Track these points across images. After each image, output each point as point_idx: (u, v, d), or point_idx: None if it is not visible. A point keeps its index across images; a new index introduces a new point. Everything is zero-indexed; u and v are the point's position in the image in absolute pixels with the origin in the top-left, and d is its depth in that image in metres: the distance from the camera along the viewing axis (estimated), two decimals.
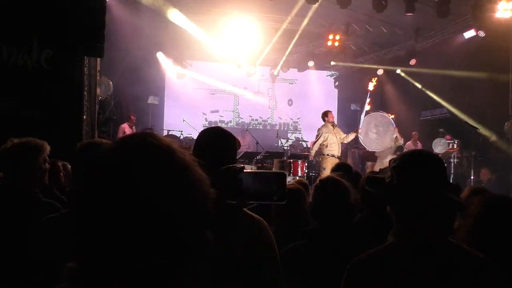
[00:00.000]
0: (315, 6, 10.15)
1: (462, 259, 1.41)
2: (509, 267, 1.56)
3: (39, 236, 1.85)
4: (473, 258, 1.42)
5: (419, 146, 11.05)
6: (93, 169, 0.75)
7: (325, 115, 9.32)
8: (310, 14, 11.24)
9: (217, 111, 15.88)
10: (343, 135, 9.32)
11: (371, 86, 10.23)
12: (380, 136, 9.73)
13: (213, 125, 13.70)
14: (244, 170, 1.43)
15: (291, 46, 13.34)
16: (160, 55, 13.61)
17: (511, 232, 1.76)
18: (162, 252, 0.72)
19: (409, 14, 10.01)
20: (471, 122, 9.95)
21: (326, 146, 9.03)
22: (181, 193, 0.75)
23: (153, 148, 0.77)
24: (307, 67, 15.02)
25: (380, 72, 14.41)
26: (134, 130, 11.38)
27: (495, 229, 1.75)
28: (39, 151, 2.45)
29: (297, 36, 12.59)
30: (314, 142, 9.31)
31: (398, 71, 13.89)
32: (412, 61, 12.87)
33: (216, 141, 1.82)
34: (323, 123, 9.32)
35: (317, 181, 2.39)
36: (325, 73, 16.78)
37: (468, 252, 1.44)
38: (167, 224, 0.72)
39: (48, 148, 2.51)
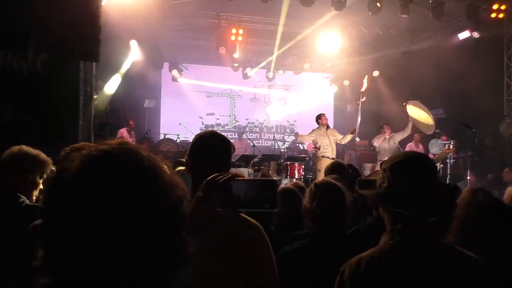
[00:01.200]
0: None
1: (455, 260, 1.42)
2: (498, 267, 1.57)
3: (27, 239, 1.83)
4: (465, 259, 1.43)
5: (421, 148, 11.05)
6: (62, 182, 0.74)
7: (318, 118, 9.45)
8: (305, 16, 11.27)
9: (213, 114, 15.88)
10: (340, 136, 9.37)
11: (364, 86, 10.27)
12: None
13: (209, 129, 13.74)
14: (236, 178, 1.42)
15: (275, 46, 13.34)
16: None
17: (497, 233, 1.77)
18: (139, 258, 0.71)
19: (404, 15, 10.05)
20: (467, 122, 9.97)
21: (319, 149, 9.11)
22: (152, 199, 0.74)
23: (121, 157, 0.76)
24: (303, 70, 15.05)
25: (376, 73, 14.46)
26: (133, 135, 11.38)
27: (481, 229, 1.77)
28: (40, 166, 2.43)
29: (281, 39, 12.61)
30: (314, 146, 9.41)
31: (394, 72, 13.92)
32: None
33: (210, 145, 1.81)
34: (317, 125, 9.41)
35: (312, 185, 2.38)
36: (321, 75, 16.82)
37: (460, 253, 1.45)
38: (142, 230, 0.72)
39: (50, 166, 2.48)
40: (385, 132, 10.12)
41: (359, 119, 9.70)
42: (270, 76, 15.57)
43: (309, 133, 9.44)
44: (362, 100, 9.96)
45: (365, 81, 10.27)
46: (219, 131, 2.01)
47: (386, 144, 9.99)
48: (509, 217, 1.88)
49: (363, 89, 10.08)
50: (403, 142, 10.75)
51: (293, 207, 2.95)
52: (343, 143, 9.68)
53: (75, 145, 1.79)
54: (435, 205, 1.43)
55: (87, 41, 5.98)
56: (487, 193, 2.05)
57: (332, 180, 2.40)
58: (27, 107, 5.60)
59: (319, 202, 2.24)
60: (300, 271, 2.13)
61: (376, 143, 10.24)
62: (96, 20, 6.07)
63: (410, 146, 10.93)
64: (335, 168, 4.06)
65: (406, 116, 9.94)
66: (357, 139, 10.64)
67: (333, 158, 9.05)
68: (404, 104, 10.06)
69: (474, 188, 2.16)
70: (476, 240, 1.73)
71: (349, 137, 9.56)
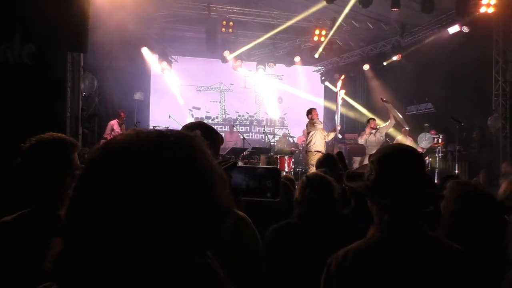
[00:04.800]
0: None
1: (441, 252, 1.42)
2: (484, 257, 1.58)
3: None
4: (452, 251, 1.44)
5: (410, 140, 11.09)
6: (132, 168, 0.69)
7: (309, 112, 9.42)
8: (296, 9, 11.25)
9: (199, 108, 15.77)
10: (325, 133, 9.41)
11: (338, 87, 10.32)
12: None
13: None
14: (238, 166, 1.39)
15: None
16: (145, 51, 13.46)
17: (484, 224, 1.79)
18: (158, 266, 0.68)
19: (395, 9, 10.07)
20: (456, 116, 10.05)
21: (314, 143, 9.13)
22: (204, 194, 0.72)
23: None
24: (294, 63, 15.03)
25: (366, 67, 14.49)
26: (124, 128, 11.26)
27: (468, 220, 1.78)
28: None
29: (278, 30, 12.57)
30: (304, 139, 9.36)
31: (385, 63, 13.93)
32: (398, 56, 12.98)
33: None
34: (308, 120, 9.41)
35: (303, 177, 2.44)
36: (312, 68, 16.81)
37: (447, 245, 1.45)
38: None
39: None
40: (369, 127, 10.12)
41: (337, 118, 9.77)
42: (263, 68, 15.48)
43: (311, 127, 9.32)
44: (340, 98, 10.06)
45: (339, 83, 10.37)
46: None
47: (373, 137, 9.97)
48: (495, 210, 1.89)
49: (337, 89, 10.13)
50: (392, 135, 10.80)
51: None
52: (326, 140, 9.67)
53: (42, 135, 1.74)
54: (422, 198, 1.44)
55: (75, 31, 5.89)
56: (475, 186, 2.05)
57: (322, 174, 2.50)
58: (14, 98, 5.51)
59: (310, 191, 2.32)
60: (288, 248, 2.22)
61: (360, 140, 10.25)
62: (84, 10, 5.98)
63: (398, 140, 10.98)
64: (327, 161, 4.06)
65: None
66: (339, 135, 10.71)
67: (324, 153, 9.07)
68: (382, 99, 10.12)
69: (461, 181, 2.17)
70: (464, 234, 1.73)
71: (332, 135, 9.62)
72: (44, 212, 1.65)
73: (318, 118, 9.48)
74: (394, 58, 13.01)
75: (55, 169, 1.68)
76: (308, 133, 9.44)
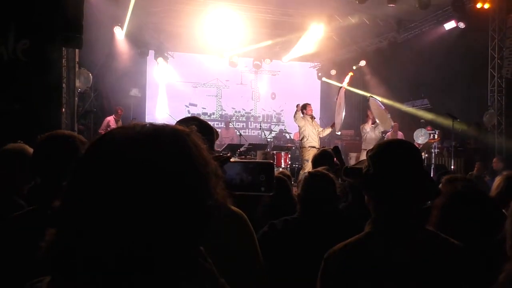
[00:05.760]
0: None
1: (438, 247, 1.42)
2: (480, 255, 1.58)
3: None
4: (449, 246, 1.43)
5: (400, 135, 11.14)
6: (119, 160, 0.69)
7: (303, 107, 9.34)
8: (292, 4, 11.21)
9: (196, 105, 15.73)
10: (320, 129, 9.38)
11: (345, 82, 10.17)
12: (379, 119, 9.69)
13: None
14: (231, 160, 1.39)
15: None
16: (140, 46, 13.39)
17: (474, 222, 1.79)
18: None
19: (391, 5, 10.06)
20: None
21: (307, 139, 9.10)
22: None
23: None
24: (290, 59, 15.00)
25: (362, 63, 14.49)
26: (120, 124, 11.21)
27: (458, 218, 1.79)
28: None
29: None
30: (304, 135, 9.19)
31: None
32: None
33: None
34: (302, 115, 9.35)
35: (307, 174, 2.51)
36: (308, 64, 16.79)
37: (444, 240, 1.45)
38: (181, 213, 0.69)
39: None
40: (368, 118, 10.03)
41: (343, 113, 9.59)
42: (259, 64, 15.47)
43: (301, 122, 9.26)
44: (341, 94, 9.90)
45: (347, 77, 10.26)
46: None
47: (372, 133, 9.97)
48: (486, 206, 1.90)
49: (344, 85, 9.99)
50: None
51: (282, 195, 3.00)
52: (321, 136, 9.60)
53: (51, 132, 1.74)
54: (420, 193, 1.43)
55: (69, 27, 5.85)
56: (466, 181, 2.05)
57: (324, 171, 2.55)
58: (9, 94, 5.48)
59: (314, 189, 2.38)
60: (288, 244, 2.26)
61: (367, 126, 10.11)
62: (79, 5, 5.94)
63: (388, 135, 10.99)
64: (323, 156, 4.05)
65: (388, 107, 9.88)
66: (338, 132, 10.63)
67: (318, 149, 9.04)
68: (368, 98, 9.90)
69: (452, 177, 2.17)
70: (453, 229, 1.73)
71: (328, 131, 9.50)
72: (49, 208, 1.64)
73: (312, 114, 9.39)
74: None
75: (63, 166, 1.68)
76: (299, 128, 9.34)
